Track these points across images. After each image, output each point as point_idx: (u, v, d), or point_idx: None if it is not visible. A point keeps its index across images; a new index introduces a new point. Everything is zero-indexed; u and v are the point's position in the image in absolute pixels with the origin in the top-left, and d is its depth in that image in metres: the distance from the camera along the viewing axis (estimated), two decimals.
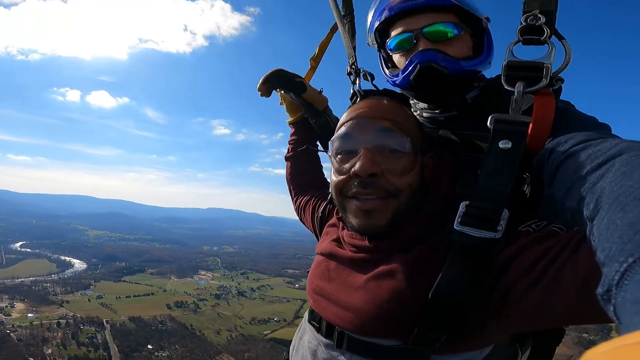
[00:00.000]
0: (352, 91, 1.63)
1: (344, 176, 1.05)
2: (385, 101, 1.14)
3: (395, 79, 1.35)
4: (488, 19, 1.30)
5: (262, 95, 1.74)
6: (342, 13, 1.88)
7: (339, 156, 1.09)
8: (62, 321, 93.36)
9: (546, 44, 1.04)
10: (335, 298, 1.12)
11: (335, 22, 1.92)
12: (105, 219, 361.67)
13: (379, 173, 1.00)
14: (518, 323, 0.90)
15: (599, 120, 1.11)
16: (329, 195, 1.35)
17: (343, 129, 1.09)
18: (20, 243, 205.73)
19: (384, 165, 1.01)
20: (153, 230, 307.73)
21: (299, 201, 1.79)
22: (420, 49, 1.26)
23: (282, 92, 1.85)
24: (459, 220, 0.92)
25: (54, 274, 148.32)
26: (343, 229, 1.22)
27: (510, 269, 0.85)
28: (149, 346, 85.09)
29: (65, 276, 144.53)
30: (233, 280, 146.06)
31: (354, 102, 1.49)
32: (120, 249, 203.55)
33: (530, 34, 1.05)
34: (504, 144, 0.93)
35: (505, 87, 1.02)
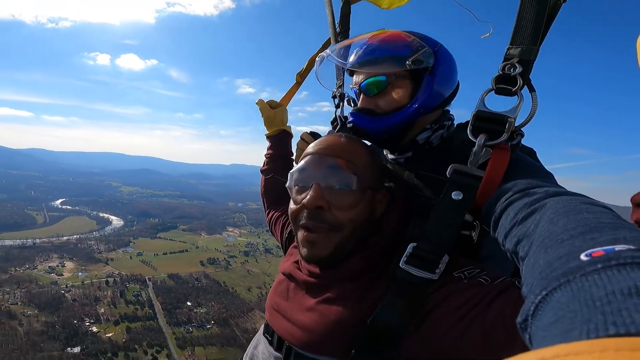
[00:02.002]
0: (334, 115, 1.60)
1: (298, 206, 1.10)
2: (342, 139, 1.15)
3: None
4: (432, 57, 1.24)
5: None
6: (337, 30, 1.80)
7: (296, 187, 1.13)
8: (110, 279, 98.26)
9: (516, 96, 1.02)
10: (289, 315, 1.16)
11: (329, 39, 1.83)
12: (136, 175, 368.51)
13: (325, 206, 1.04)
14: (438, 355, 0.94)
15: (545, 169, 1.13)
16: None
17: (301, 163, 1.14)
18: (60, 200, 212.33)
19: (331, 200, 1.05)
20: (180, 186, 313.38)
21: (270, 215, 1.78)
22: (357, 107, 1.33)
23: (261, 105, 1.89)
24: (405, 259, 0.97)
25: (95, 231, 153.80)
26: None
27: (438, 309, 0.91)
28: (188, 303, 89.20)
29: (106, 233, 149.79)
30: (259, 237, 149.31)
31: (334, 127, 1.54)
32: (153, 205, 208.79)
33: (504, 83, 1.04)
34: (456, 195, 0.97)
35: (470, 138, 1.03)
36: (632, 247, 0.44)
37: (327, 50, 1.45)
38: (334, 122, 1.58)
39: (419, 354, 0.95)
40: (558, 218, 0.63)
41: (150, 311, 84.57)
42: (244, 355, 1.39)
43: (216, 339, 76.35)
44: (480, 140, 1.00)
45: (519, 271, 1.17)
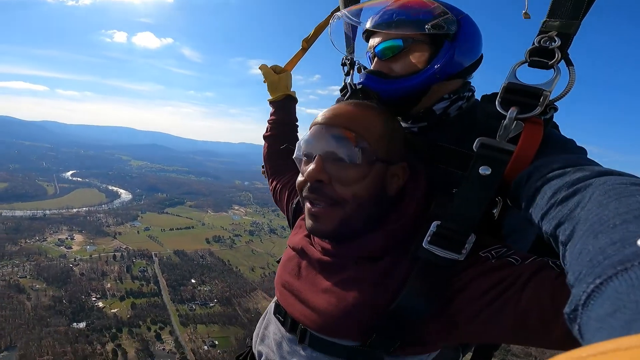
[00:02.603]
0: (343, 83, 1.56)
1: (302, 178, 1.05)
2: (352, 107, 1.08)
3: None
4: (454, 24, 1.18)
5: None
6: None
7: (303, 158, 1.09)
8: (117, 254, 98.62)
9: (552, 69, 0.97)
10: (303, 296, 1.11)
11: (338, 7, 1.74)
12: (146, 150, 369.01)
13: (326, 180, 0.99)
14: (463, 338, 0.93)
15: (578, 145, 1.09)
16: None
17: (308, 132, 1.09)
18: (70, 172, 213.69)
19: (333, 173, 1.00)
20: (188, 163, 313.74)
21: (274, 183, 1.70)
22: (370, 68, 1.30)
23: (265, 69, 1.86)
24: (429, 239, 0.92)
25: (104, 204, 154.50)
26: None
27: (465, 293, 0.88)
28: (192, 280, 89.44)
29: (114, 206, 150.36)
30: (265, 217, 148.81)
31: (344, 95, 1.48)
32: (161, 180, 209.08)
33: (540, 56, 0.99)
34: (484, 170, 0.91)
35: (499, 110, 0.97)
36: None
37: (343, 11, 1.41)
38: (343, 89, 1.53)
39: (443, 337, 0.94)
40: (608, 201, 0.57)
41: (155, 287, 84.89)
42: (254, 335, 1.35)
43: (218, 318, 76.57)
44: (512, 112, 0.94)
45: (536, 249, 1.09)
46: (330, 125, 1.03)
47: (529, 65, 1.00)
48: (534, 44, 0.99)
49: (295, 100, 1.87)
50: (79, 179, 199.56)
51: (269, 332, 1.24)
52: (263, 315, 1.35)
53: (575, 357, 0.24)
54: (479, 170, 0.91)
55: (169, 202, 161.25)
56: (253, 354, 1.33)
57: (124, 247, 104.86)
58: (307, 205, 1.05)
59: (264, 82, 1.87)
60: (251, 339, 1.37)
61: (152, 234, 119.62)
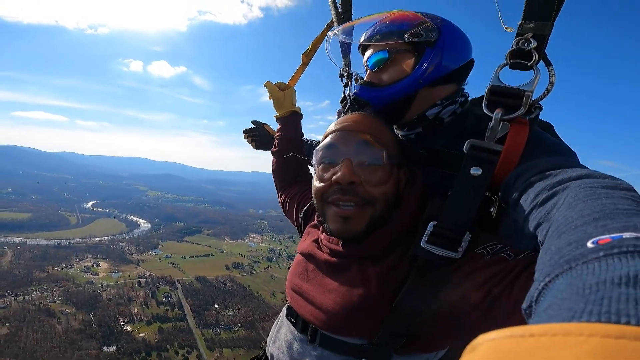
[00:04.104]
0: (342, 94, 1.54)
1: (325, 184, 1.05)
2: (367, 116, 1.13)
3: None
4: (435, 31, 1.20)
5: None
6: (339, 10, 1.74)
7: (321, 165, 1.09)
8: (142, 280, 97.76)
9: (532, 70, 0.98)
10: (312, 298, 1.12)
11: (332, 20, 1.77)
12: (161, 180, 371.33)
13: (358, 182, 1.01)
14: (466, 333, 0.92)
15: (566, 146, 1.08)
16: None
17: (328, 139, 1.09)
18: (91, 202, 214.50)
19: (362, 175, 1.02)
20: (202, 192, 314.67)
21: (283, 196, 1.72)
22: (362, 80, 1.33)
23: (270, 87, 1.88)
24: (426, 238, 0.94)
25: (125, 233, 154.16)
26: (322, 231, 1.21)
27: (461, 288, 0.88)
28: (216, 305, 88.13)
29: (135, 235, 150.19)
30: (281, 243, 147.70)
31: (344, 106, 1.47)
32: (178, 209, 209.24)
33: (519, 58, 1.00)
34: (474, 171, 0.93)
35: (485, 112, 0.99)
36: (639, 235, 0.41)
37: (334, 30, 1.44)
38: (343, 101, 1.51)
39: (446, 334, 0.94)
40: (576, 203, 0.59)
41: (180, 312, 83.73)
42: (268, 339, 1.36)
43: (243, 342, 74.76)
44: (497, 114, 0.95)
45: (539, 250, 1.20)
46: (353, 130, 1.07)
47: (510, 67, 1.01)
48: (512, 46, 1.00)
49: (300, 116, 1.87)
50: (99, 209, 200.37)
51: (280, 335, 1.25)
52: (276, 320, 1.37)
53: (507, 334, 0.24)
54: (470, 171, 0.93)
55: (187, 231, 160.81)
56: (267, 356, 1.34)
57: (148, 273, 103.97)
58: (334, 209, 1.05)
59: (269, 98, 1.88)
60: (266, 343, 1.39)
61: (174, 261, 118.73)
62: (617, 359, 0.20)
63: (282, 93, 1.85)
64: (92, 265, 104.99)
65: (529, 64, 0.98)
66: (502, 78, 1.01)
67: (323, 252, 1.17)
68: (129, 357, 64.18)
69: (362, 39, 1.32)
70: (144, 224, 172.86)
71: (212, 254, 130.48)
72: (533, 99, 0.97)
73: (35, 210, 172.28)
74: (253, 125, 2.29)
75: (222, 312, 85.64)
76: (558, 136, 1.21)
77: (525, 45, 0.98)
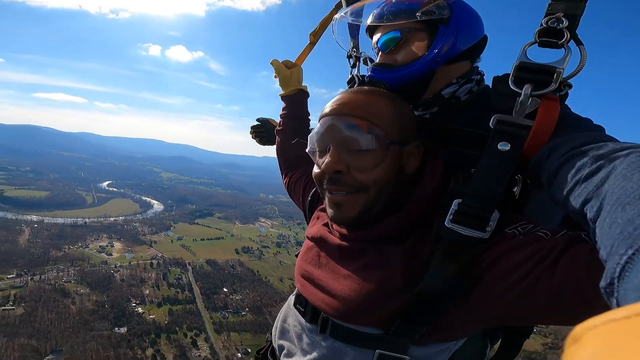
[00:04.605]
0: (350, 75, 1.51)
1: (320, 170, 1.01)
2: (358, 94, 1.04)
3: None
4: (446, 8, 1.16)
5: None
6: None
7: (317, 151, 1.05)
8: (154, 262, 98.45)
9: (562, 48, 0.95)
10: (324, 284, 1.06)
11: (340, 1, 1.70)
12: (175, 162, 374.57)
13: (344, 170, 0.96)
14: (494, 320, 0.88)
15: (594, 123, 1.04)
16: None
17: (318, 125, 1.04)
18: (107, 182, 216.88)
19: (349, 162, 0.96)
20: (214, 175, 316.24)
21: (288, 177, 1.65)
22: (375, 62, 1.29)
23: (277, 64, 1.83)
24: (451, 217, 0.88)
25: (139, 213, 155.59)
26: None
27: (492, 271, 0.82)
28: (224, 289, 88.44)
29: (148, 216, 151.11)
30: (290, 229, 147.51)
31: (351, 87, 1.42)
32: (190, 192, 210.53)
33: (548, 37, 0.96)
34: (502, 146, 0.88)
35: (512, 88, 0.95)
36: None
37: (341, 12, 1.39)
38: (350, 81, 1.49)
39: (471, 320, 0.89)
40: (632, 173, 0.55)
41: (190, 295, 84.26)
42: (273, 329, 1.30)
43: (250, 326, 75.12)
44: (527, 89, 0.92)
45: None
46: (339, 114, 1.00)
47: (539, 45, 0.98)
48: (541, 24, 0.97)
49: (307, 95, 1.81)
50: (114, 189, 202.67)
51: (288, 325, 1.19)
52: (281, 310, 1.31)
53: (608, 319, 0.22)
54: (498, 146, 0.88)
55: (198, 213, 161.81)
56: (273, 348, 1.27)
57: (160, 255, 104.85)
58: (328, 195, 1.02)
59: (275, 77, 1.82)
60: (271, 334, 1.32)
61: (185, 243, 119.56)
62: None
63: (289, 71, 1.80)
64: (107, 245, 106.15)
65: (560, 42, 0.94)
66: (532, 56, 0.98)
67: (335, 236, 1.11)
68: (139, 339, 64.76)
69: (370, 20, 1.26)
70: (157, 205, 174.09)
71: (222, 237, 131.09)
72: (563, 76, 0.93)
73: (53, 188, 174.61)
74: (258, 123, 2.28)
75: (231, 296, 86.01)
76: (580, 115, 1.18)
77: (556, 24, 0.94)
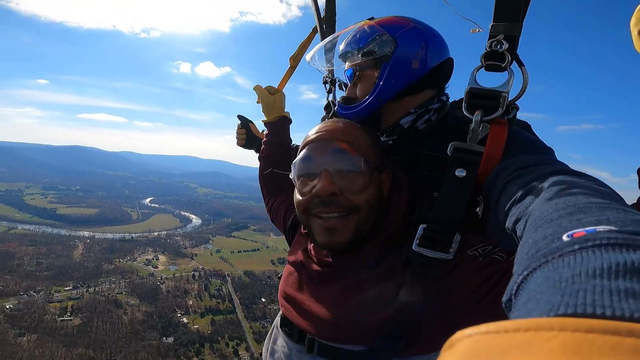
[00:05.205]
0: (327, 101, 1.53)
1: (306, 197, 1.03)
2: (341, 123, 1.10)
3: None
4: (390, 44, 1.17)
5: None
6: (322, 15, 1.69)
7: (301, 178, 1.06)
8: (196, 273, 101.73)
9: (506, 71, 0.98)
10: (306, 307, 1.09)
11: (316, 26, 1.71)
12: (209, 177, 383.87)
13: (338, 192, 0.98)
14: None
15: (543, 144, 1.07)
16: None
17: (304, 152, 1.06)
18: (149, 199, 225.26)
19: (342, 184, 0.99)
20: (247, 189, 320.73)
21: (270, 203, 1.66)
22: (342, 96, 1.33)
23: (259, 90, 1.81)
24: (417, 242, 0.93)
25: (179, 228, 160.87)
26: (311, 242, 1.18)
27: (459, 290, 0.87)
28: (263, 299, 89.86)
29: (188, 230, 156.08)
30: None
31: (328, 112, 1.46)
32: (225, 206, 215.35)
33: (493, 60, 0.99)
34: (459, 172, 0.92)
35: (466, 115, 0.98)
36: (613, 228, 0.41)
37: (312, 52, 1.42)
38: (327, 107, 1.49)
39: (444, 331, 0.86)
40: (552, 197, 0.59)
41: (230, 305, 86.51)
42: (264, 350, 1.31)
43: None
44: (477, 116, 0.95)
45: None
46: (327, 139, 1.02)
47: (485, 69, 1.00)
48: (486, 48, 0.99)
49: (289, 121, 1.80)
50: (156, 205, 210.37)
51: (277, 346, 1.22)
52: (270, 331, 1.32)
53: (483, 330, 0.24)
54: (455, 173, 0.92)
55: (234, 227, 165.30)
56: None
57: (201, 267, 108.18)
58: (319, 221, 1.02)
59: (258, 102, 1.80)
60: (261, 355, 1.34)
61: (223, 255, 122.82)
62: (588, 353, 0.20)
63: (272, 97, 1.78)
64: (153, 259, 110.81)
65: (502, 66, 0.98)
66: (484, 79, 1.00)
67: (313, 261, 1.13)
68: (185, 348, 67.19)
69: (340, 51, 1.30)
70: (196, 220, 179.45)
71: (258, 249, 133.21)
72: (510, 99, 0.97)
73: (102, 206, 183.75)
74: (240, 121, 2.15)
75: (269, 306, 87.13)
76: (536, 135, 1.19)
77: (498, 47, 0.97)
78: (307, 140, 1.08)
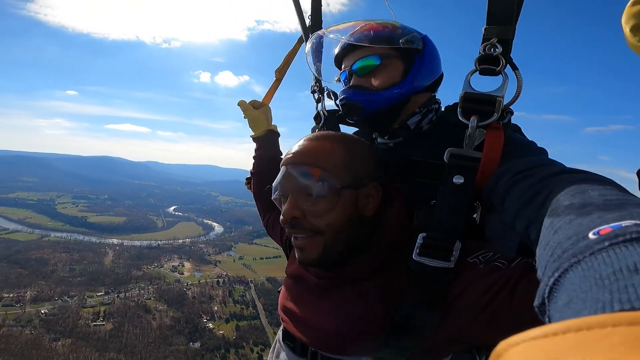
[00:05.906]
0: (316, 111, 1.49)
1: (282, 217, 1.03)
2: (313, 141, 1.04)
3: None
4: (420, 41, 1.18)
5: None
6: (308, 25, 1.64)
7: (277, 200, 1.07)
8: (220, 280, 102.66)
9: (500, 75, 0.97)
10: (307, 320, 1.08)
11: (302, 35, 1.68)
12: (230, 185, 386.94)
13: (300, 216, 0.97)
14: (469, 342, 0.91)
15: (537, 145, 1.07)
16: None
17: (278, 175, 1.06)
18: (173, 207, 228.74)
19: (305, 207, 0.97)
20: None
21: (267, 218, 1.64)
22: (349, 85, 1.25)
23: (244, 106, 1.74)
24: (417, 251, 0.91)
25: (202, 235, 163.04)
26: None
27: (460, 300, 0.86)
28: None
29: (211, 238, 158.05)
30: None
31: (318, 122, 1.43)
32: (246, 213, 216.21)
33: (488, 64, 0.98)
34: (457, 179, 0.91)
35: (461, 120, 0.97)
36: (638, 221, 0.41)
37: (320, 32, 1.37)
38: (317, 117, 1.46)
39: (449, 343, 0.91)
40: (564, 198, 0.58)
41: (254, 311, 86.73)
42: None
43: None
44: (472, 121, 0.94)
45: (522, 250, 1.07)
46: (293, 164, 1.01)
47: (480, 74, 0.99)
48: (480, 52, 0.97)
49: (277, 134, 1.74)
50: (180, 213, 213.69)
51: None
52: (273, 345, 1.31)
53: (528, 337, 0.23)
54: (453, 180, 0.91)
55: (256, 234, 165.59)
56: None
57: (224, 273, 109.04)
58: (292, 239, 1.03)
59: (244, 117, 1.74)
60: None
61: (246, 262, 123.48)
62: None
63: (257, 112, 1.71)
64: (179, 265, 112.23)
65: (497, 70, 0.97)
66: (477, 82, 0.99)
67: (311, 274, 1.12)
68: (212, 354, 67.60)
69: (346, 40, 1.23)
70: (218, 227, 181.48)
71: (280, 256, 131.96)
72: (504, 103, 0.96)
73: (129, 214, 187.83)
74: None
75: None
76: (526, 137, 1.19)
77: (492, 50, 0.96)
78: (282, 161, 1.07)
